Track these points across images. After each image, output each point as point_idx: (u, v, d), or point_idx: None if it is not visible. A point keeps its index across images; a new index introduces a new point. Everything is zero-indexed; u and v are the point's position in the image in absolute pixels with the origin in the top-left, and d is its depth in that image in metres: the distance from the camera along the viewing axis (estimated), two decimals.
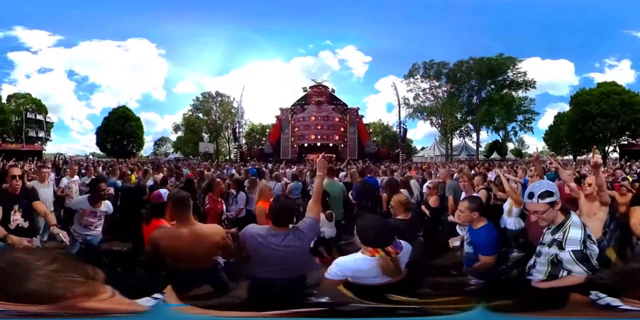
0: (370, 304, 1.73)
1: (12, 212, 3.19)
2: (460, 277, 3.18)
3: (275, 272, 2.40)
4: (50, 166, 8.39)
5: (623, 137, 30.81)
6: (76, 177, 6.79)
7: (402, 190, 6.46)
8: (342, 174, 9.21)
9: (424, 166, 15.15)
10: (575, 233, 2.17)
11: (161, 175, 8.02)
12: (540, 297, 2.26)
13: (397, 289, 2.03)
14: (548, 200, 2.19)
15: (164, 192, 3.81)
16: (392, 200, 3.87)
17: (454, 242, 3.09)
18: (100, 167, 12.08)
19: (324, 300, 2.40)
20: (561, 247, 2.16)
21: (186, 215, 2.62)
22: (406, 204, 3.72)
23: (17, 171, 3.35)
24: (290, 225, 2.49)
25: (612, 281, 0.96)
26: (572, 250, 2.11)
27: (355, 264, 2.05)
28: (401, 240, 2.16)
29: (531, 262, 2.43)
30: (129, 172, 8.06)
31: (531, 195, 2.23)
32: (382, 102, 43.48)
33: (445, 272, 3.90)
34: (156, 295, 0.85)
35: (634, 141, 30.08)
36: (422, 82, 37.75)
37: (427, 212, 5.66)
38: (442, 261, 4.74)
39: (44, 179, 5.24)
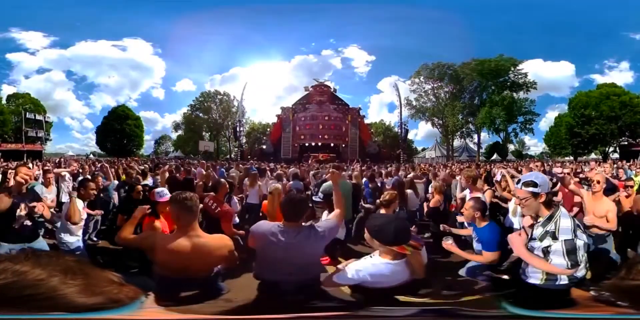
0: (387, 308, 1.70)
1: (18, 210, 3.31)
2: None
3: (283, 272, 2.29)
4: (52, 168, 8.41)
5: (623, 138, 30.85)
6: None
7: (407, 190, 6.48)
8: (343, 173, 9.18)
9: (422, 169, 15.09)
10: (566, 222, 2.25)
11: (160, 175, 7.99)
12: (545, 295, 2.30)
13: (412, 290, 2.01)
14: (530, 189, 2.33)
15: (158, 191, 3.77)
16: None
17: (447, 240, 3.12)
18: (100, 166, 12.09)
19: (335, 304, 2.37)
20: (555, 237, 2.24)
21: (189, 221, 2.23)
22: (387, 200, 3.98)
23: (23, 170, 3.40)
24: (308, 223, 2.44)
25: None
26: (565, 240, 2.19)
27: (376, 268, 1.96)
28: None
29: (524, 263, 2.47)
30: (133, 172, 8.04)
31: (518, 181, 2.45)
32: (384, 102, 43.12)
33: (451, 271, 3.92)
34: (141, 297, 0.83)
35: (634, 141, 30.10)
36: (425, 83, 37.77)
37: (427, 210, 5.79)
38: (448, 261, 4.73)
39: (49, 184, 5.29)
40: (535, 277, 2.35)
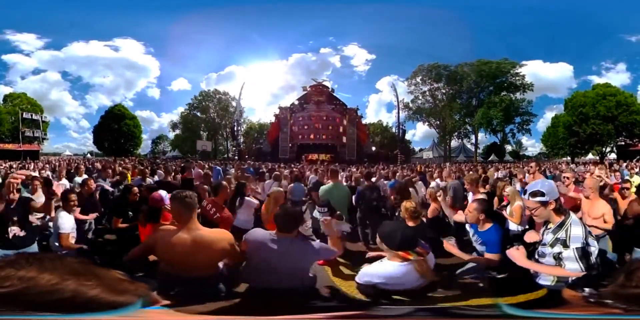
0: (385, 307, 1.72)
1: (10, 223, 3.37)
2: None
3: (270, 279, 2.35)
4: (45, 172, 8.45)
5: (620, 138, 31.00)
6: (64, 181, 6.96)
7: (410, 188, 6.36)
8: (342, 174, 9.18)
9: (419, 168, 15.20)
10: (577, 231, 2.25)
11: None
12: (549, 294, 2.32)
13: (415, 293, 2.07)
14: (538, 199, 2.31)
15: (164, 194, 3.62)
16: (401, 207, 3.84)
17: (449, 241, 3.11)
18: (99, 166, 12.11)
19: (335, 304, 2.40)
20: (565, 245, 2.24)
21: (189, 217, 2.34)
22: (414, 211, 3.68)
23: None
24: (305, 236, 2.50)
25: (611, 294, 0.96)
26: (576, 248, 2.19)
27: (386, 270, 2.09)
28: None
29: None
30: (128, 172, 8.03)
31: (525, 192, 2.42)
32: (383, 102, 42.83)
33: (452, 276, 3.93)
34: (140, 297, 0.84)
35: (631, 142, 30.25)
36: (422, 84, 37.76)
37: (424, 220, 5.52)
38: (447, 262, 4.74)
39: (35, 191, 5.29)
40: (545, 279, 2.37)
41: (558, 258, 2.26)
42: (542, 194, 2.30)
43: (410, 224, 3.57)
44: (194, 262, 2.28)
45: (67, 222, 4.07)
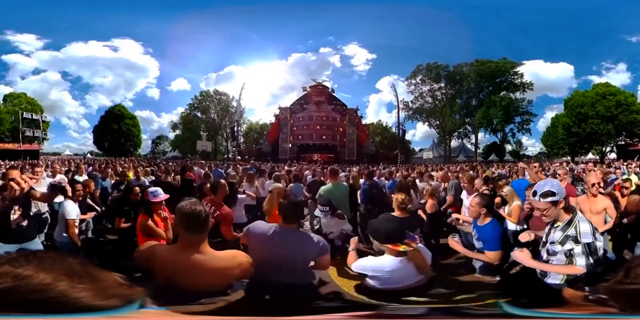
0: (391, 305, 1.72)
1: (12, 211, 3.38)
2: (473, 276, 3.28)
3: (273, 271, 2.33)
4: (43, 166, 8.48)
5: (620, 138, 30.99)
6: (59, 177, 6.95)
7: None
8: (342, 174, 9.16)
9: (419, 168, 15.21)
10: (585, 227, 2.30)
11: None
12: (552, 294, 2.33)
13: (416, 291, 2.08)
14: (550, 199, 2.32)
15: (152, 190, 3.79)
16: (393, 199, 3.93)
17: (454, 238, 3.12)
18: (97, 165, 12.11)
19: (339, 304, 2.40)
20: (577, 241, 2.28)
21: (195, 237, 1.91)
22: (402, 202, 3.73)
23: (15, 173, 3.57)
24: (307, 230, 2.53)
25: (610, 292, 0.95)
26: (587, 243, 2.25)
27: (377, 263, 2.13)
28: (420, 245, 2.23)
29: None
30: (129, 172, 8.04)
31: (534, 193, 2.39)
32: (383, 102, 42.58)
33: (453, 273, 3.94)
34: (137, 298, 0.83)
35: (631, 141, 30.24)
36: (422, 84, 37.71)
37: (424, 217, 5.43)
38: (448, 262, 4.75)
39: (37, 180, 5.30)
40: (555, 277, 2.39)
41: (570, 255, 2.30)
42: (553, 194, 2.31)
43: (397, 214, 3.60)
44: (198, 284, 1.93)
45: (72, 210, 4.22)
